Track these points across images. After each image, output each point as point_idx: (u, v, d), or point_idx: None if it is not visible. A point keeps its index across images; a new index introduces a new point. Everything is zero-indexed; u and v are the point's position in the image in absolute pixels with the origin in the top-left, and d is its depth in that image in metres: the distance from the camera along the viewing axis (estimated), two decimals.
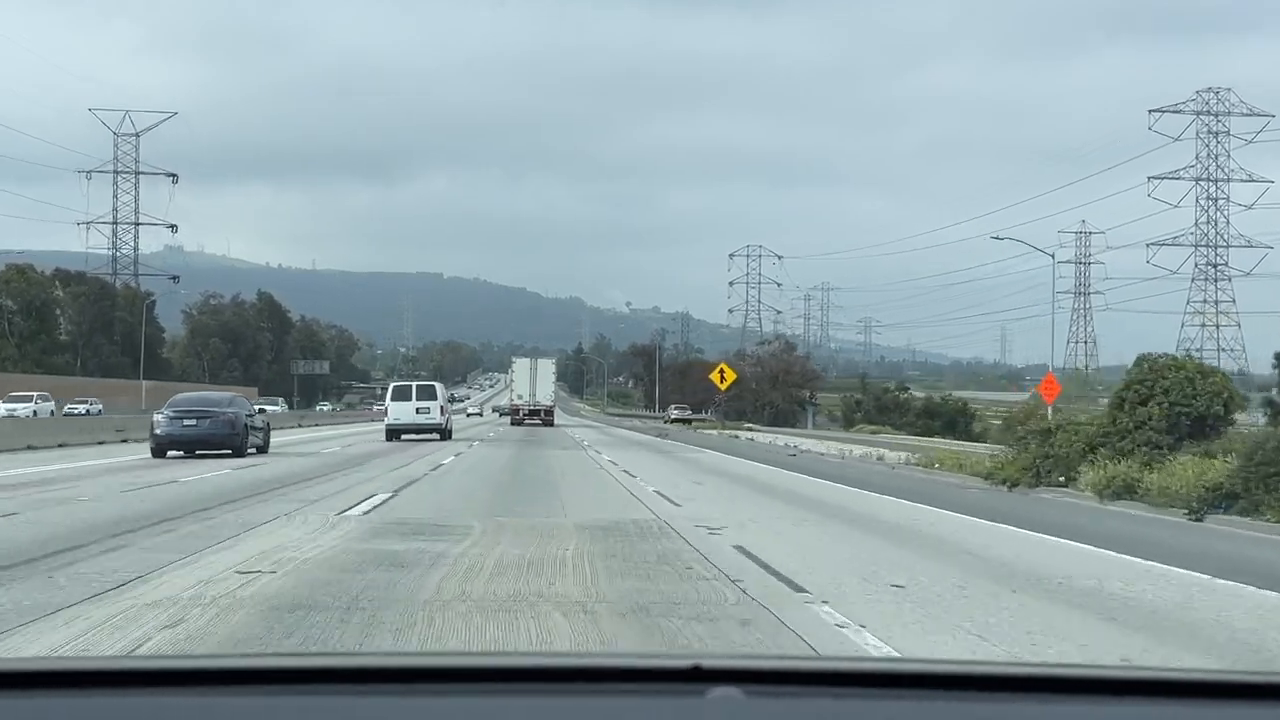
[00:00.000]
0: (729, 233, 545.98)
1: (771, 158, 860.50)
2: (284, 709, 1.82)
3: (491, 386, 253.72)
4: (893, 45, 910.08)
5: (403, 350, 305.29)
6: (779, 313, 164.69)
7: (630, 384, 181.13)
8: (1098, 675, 2.05)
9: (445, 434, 47.50)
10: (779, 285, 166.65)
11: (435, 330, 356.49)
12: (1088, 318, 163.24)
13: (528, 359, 78.07)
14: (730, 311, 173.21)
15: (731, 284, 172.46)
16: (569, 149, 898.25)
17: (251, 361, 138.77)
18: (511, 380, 76.72)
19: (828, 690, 1.90)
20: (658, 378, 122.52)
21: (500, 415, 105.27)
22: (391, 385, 54.15)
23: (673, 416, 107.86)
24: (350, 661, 2.14)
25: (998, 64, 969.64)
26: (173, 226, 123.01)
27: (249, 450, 32.25)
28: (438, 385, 53.12)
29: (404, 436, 46.03)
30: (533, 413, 71.00)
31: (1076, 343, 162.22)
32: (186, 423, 31.41)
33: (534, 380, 72.35)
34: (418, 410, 47.53)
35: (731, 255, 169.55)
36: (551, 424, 70.49)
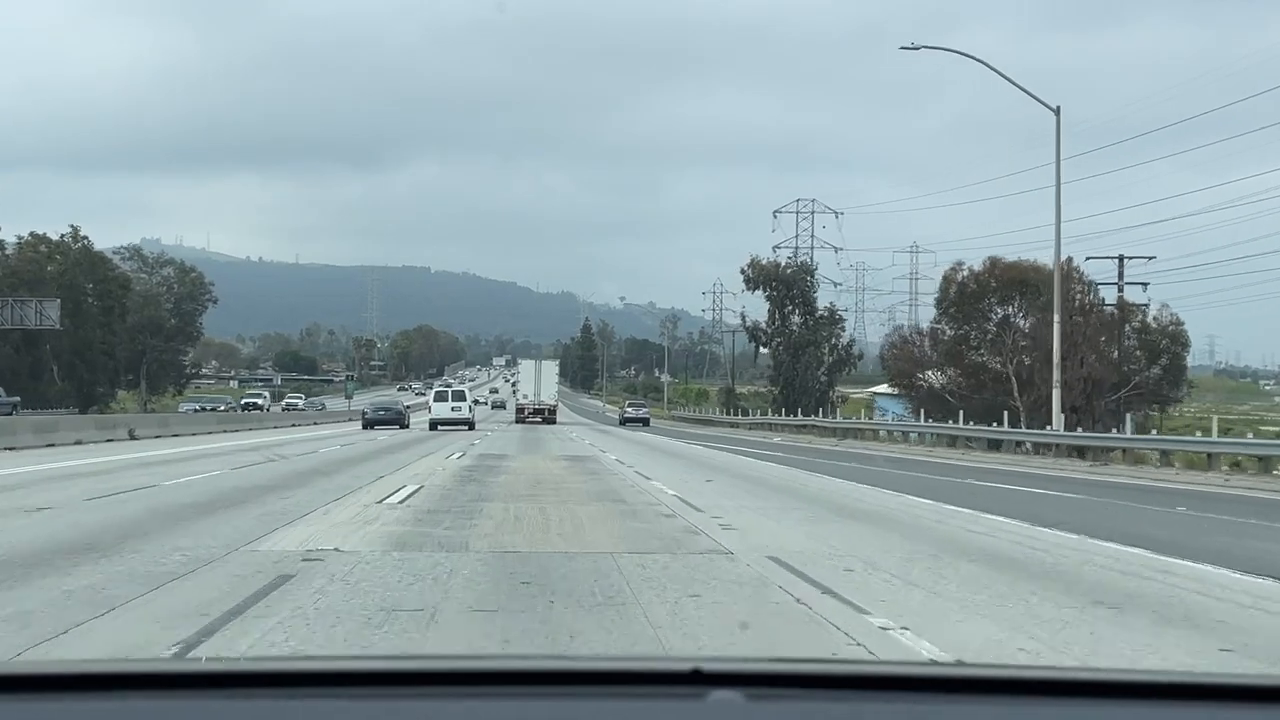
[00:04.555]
0: (731, 226, 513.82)
1: (780, 142, 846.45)
2: (283, 712, 1.85)
3: (468, 383, 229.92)
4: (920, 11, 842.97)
5: (357, 336, 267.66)
6: (837, 285, 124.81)
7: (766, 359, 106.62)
8: (1101, 679, 2.06)
9: (471, 425, 62.98)
10: (837, 250, 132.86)
11: (421, 324, 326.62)
12: None
13: (533, 360, 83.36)
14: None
15: (776, 249, 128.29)
16: (563, 133, 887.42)
17: None
18: (516, 381, 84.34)
19: (828, 694, 1.91)
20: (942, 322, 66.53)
21: (493, 409, 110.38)
22: (434, 390, 72.95)
23: (627, 415, 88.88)
24: (351, 665, 2.11)
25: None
26: None
27: (407, 425, 63.24)
28: (466, 389, 73.00)
29: (440, 427, 60.37)
30: (535, 411, 76.27)
31: None
32: (380, 411, 64.58)
33: (538, 381, 78.08)
34: (452, 409, 63.90)
35: (776, 213, 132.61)
36: (554, 422, 74.50)
